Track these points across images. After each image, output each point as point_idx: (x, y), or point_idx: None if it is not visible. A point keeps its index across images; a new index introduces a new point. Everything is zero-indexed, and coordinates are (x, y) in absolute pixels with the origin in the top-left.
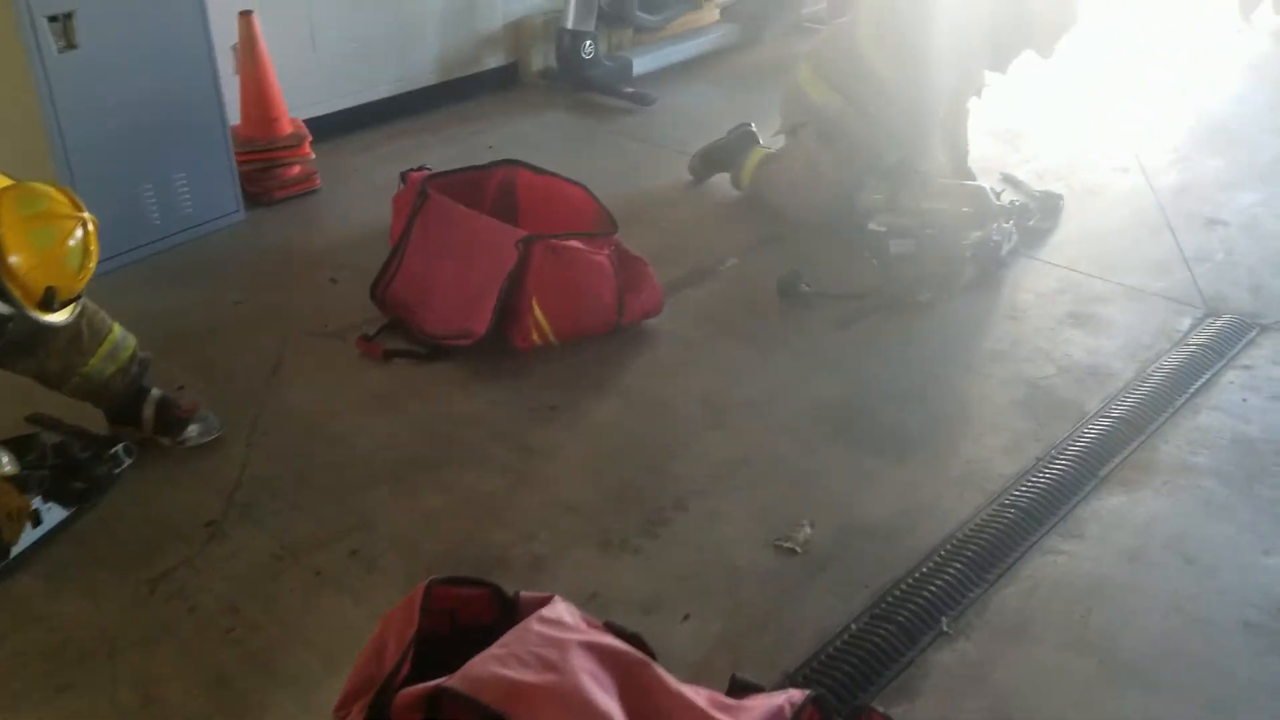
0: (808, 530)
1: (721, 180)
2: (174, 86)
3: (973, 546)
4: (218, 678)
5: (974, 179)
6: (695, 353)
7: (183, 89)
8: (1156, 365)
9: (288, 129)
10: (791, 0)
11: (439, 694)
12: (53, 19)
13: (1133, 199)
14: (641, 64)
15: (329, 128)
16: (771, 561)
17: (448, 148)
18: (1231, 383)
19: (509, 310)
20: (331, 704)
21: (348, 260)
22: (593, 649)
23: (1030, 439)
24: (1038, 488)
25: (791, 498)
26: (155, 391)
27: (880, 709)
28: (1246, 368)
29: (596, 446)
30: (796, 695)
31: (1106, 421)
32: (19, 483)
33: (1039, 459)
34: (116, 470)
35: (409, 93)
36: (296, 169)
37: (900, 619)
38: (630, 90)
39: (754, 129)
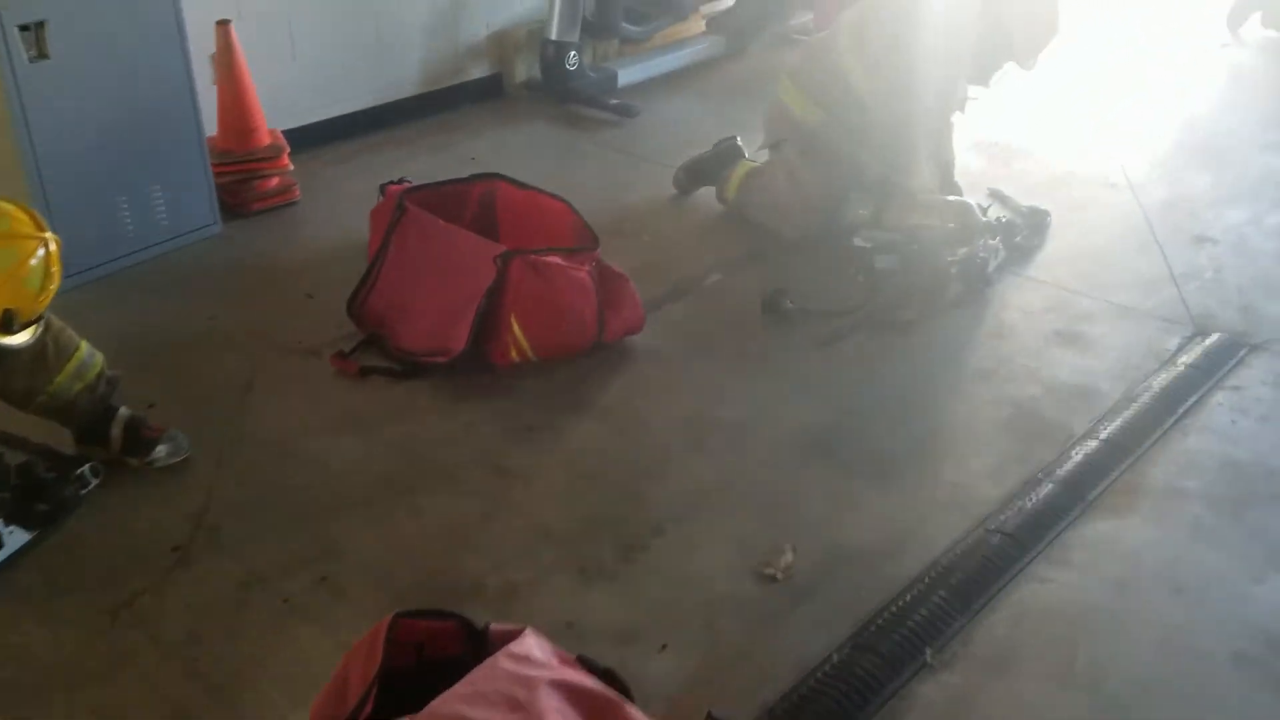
0: (789, 556)
1: (706, 194)
2: (149, 97)
3: (958, 573)
4: (178, 712)
5: (960, 193)
6: (676, 372)
7: (158, 99)
8: (1144, 385)
9: (266, 140)
10: (778, 12)
11: None
12: (24, 28)
13: (1120, 215)
14: (626, 75)
15: (309, 138)
16: (752, 589)
17: (430, 159)
18: (1220, 404)
19: (487, 327)
20: None
21: (325, 274)
22: (562, 688)
23: (1016, 462)
24: (1024, 512)
25: (773, 522)
26: (123, 410)
27: None
28: (1236, 388)
29: (574, 469)
30: None
31: (1094, 444)
32: None
33: (1025, 482)
34: (82, 492)
35: (391, 103)
36: (275, 181)
37: (883, 649)
38: (615, 102)
39: (739, 142)
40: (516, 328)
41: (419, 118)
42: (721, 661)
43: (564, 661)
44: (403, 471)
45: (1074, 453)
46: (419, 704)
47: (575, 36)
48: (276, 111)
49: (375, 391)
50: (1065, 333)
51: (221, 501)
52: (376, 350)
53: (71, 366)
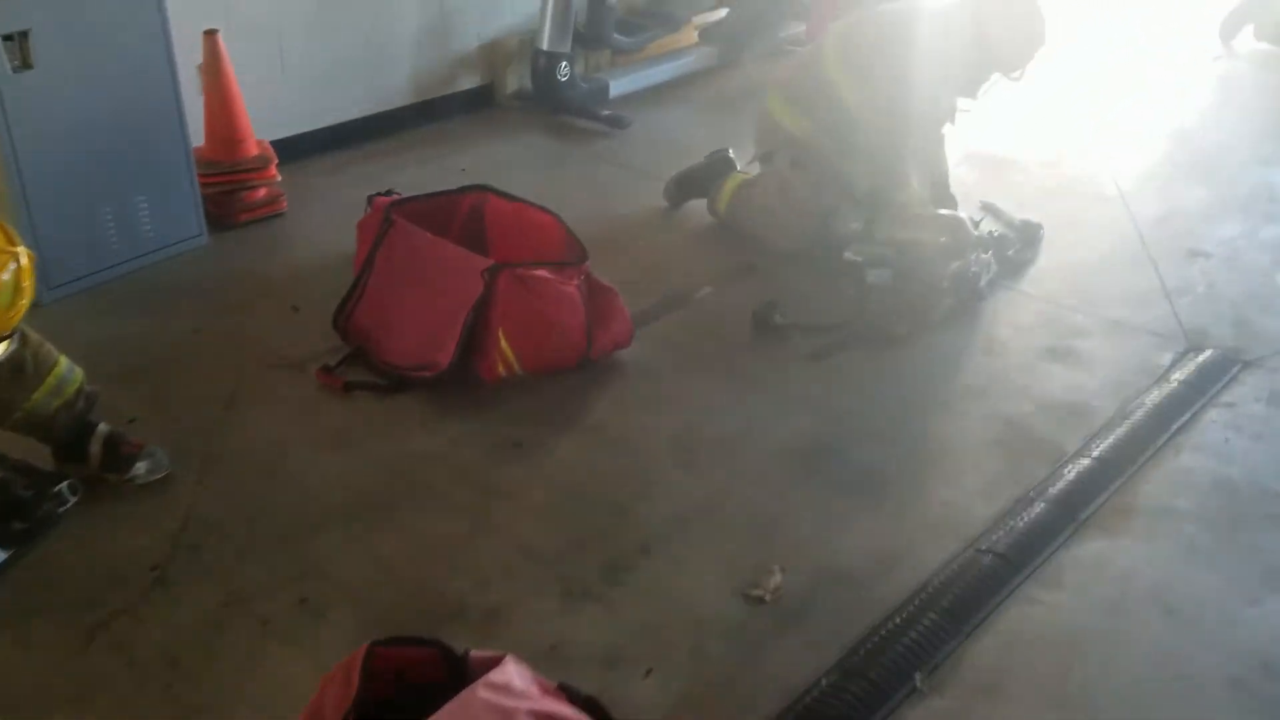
0: (778, 577)
1: (697, 206)
2: (135, 107)
3: (949, 595)
4: None
5: (956, 204)
6: (665, 387)
7: (144, 109)
8: (1137, 402)
9: (253, 150)
10: (771, 23)
11: None
12: (7, 38)
13: (1113, 228)
14: (618, 86)
15: (299, 149)
16: (739, 611)
17: (420, 169)
18: (1214, 421)
19: (474, 341)
20: None
21: (312, 286)
22: (543, 719)
23: (1008, 480)
24: (1015, 532)
25: (761, 542)
26: (103, 426)
27: None
28: (1229, 405)
29: (560, 487)
30: None
31: (1086, 462)
32: None
33: (1017, 501)
34: (60, 510)
35: (381, 113)
36: (262, 191)
37: (873, 674)
38: (606, 113)
39: (731, 155)
40: (504, 342)
41: (409, 128)
42: (707, 686)
43: (545, 690)
44: (386, 489)
45: (1066, 471)
46: None
47: (567, 47)
48: (265, 122)
49: (360, 407)
50: (1057, 348)
51: (201, 520)
52: (363, 365)
53: (50, 382)
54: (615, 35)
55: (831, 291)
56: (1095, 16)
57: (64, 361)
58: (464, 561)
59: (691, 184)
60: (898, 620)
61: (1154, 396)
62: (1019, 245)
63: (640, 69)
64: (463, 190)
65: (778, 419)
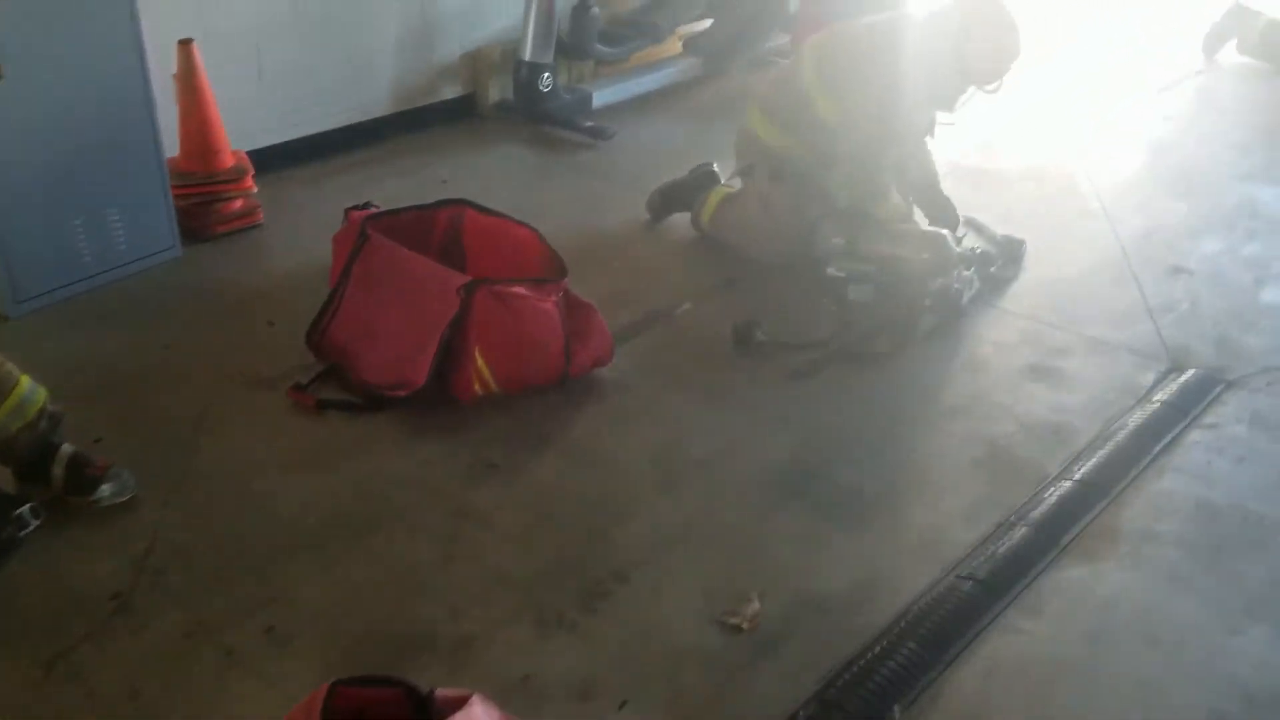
0: (755, 605)
1: (680, 220)
2: (107, 117)
3: (928, 623)
4: None
5: (951, 208)
6: (645, 406)
7: (116, 120)
8: (1119, 423)
9: (229, 161)
10: (756, 34)
11: None
12: None
13: (1096, 245)
14: (601, 97)
15: (277, 159)
16: (716, 640)
17: (400, 180)
18: (1196, 443)
19: (450, 359)
20: None
21: (288, 301)
22: None
23: (989, 503)
24: (996, 558)
25: (739, 568)
26: (66, 447)
27: None
28: (1212, 426)
29: (536, 510)
30: None
31: (1068, 484)
32: None
33: (998, 525)
34: (21, 534)
35: (361, 123)
36: (238, 203)
37: (850, 706)
38: (589, 124)
39: (715, 168)
40: (480, 360)
41: (389, 139)
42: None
43: None
44: (358, 512)
45: (1047, 494)
46: None
47: (549, 57)
48: (242, 132)
49: (333, 426)
50: (1040, 367)
51: (167, 544)
52: (337, 382)
53: (11, 403)
54: (599, 45)
55: (813, 307)
56: (1076, 31)
57: (26, 381)
58: (436, 588)
59: (675, 197)
60: (877, 650)
61: (1136, 417)
62: (1001, 262)
63: (624, 80)
64: (440, 204)
65: (758, 439)
